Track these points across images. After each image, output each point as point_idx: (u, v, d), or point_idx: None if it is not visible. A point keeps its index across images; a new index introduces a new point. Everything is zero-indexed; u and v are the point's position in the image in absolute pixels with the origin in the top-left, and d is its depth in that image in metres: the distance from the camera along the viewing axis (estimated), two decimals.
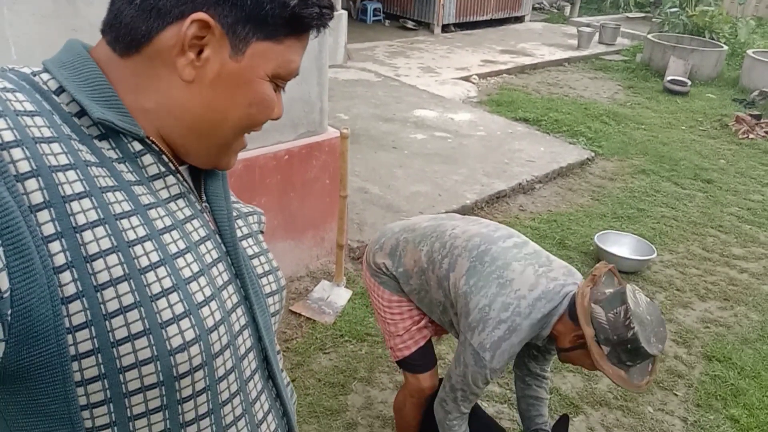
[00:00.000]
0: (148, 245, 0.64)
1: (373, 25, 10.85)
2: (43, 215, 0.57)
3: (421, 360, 2.10)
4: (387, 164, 4.99)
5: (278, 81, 0.73)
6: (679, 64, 8.20)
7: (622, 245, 4.02)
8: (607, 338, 1.62)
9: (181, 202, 0.73)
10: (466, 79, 7.85)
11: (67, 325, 0.58)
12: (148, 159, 0.69)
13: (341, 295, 3.39)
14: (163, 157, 0.70)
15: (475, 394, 1.82)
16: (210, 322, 0.68)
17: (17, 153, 0.57)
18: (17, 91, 0.62)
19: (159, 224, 0.67)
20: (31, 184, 0.57)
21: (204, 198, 0.80)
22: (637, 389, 1.70)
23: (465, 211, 4.43)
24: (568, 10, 12.94)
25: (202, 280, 0.69)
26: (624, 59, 9.51)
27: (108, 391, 0.62)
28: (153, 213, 0.67)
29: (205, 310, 0.68)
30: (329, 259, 3.69)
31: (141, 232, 0.64)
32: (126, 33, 0.67)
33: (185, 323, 0.65)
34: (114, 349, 0.61)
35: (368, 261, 2.12)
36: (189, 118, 0.70)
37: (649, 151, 5.88)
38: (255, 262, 0.84)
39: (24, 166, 0.57)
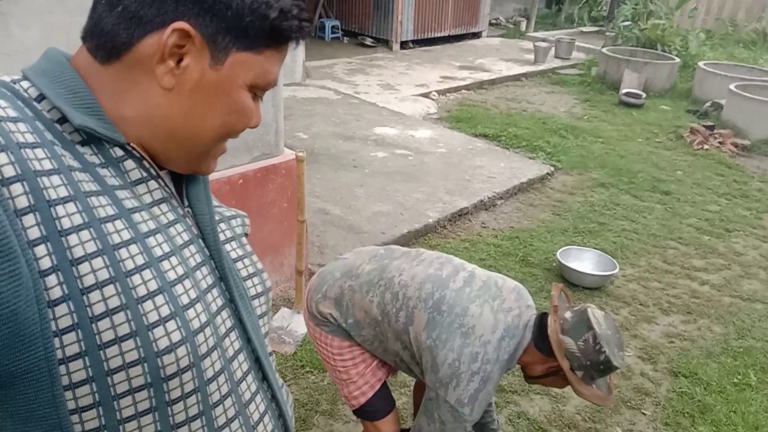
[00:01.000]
0: (133, 248, 0.65)
1: (331, 43, 10.81)
2: (29, 219, 0.58)
3: (379, 405, 2.00)
4: (348, 184, 4.91)
5: (256, 90, 0.74)
6: (634, 77, 8.35)
7: (584, 260, 4.00)
8: (580, 365, 1.66)
9: (164, 207, 0.74)
10: (426, 95, 7.84)
11: (54, 328, 0.59)
12: (130, 164, 0.70)
13: (302, 323, 3.27)
14: (144, 162, 0.71)
15: None
16: (196, 324, 0.68)
17: (2, 158, 0.57)
18: None
19: (143, 228, 0.68)
20: (16, 188, 0.57)
21: (186, 203, 0.80)
22: (606, 403, 1.75)
23: (428, 230, 4.37)
24: (524, 25, 13.12)
25: (187, 283, 0.70)
26: (580, 73, 9.66)
27: (96, 395, 0.62)
28: (137, 217, 0.68)
29: (191, 312, 0.68)
30: (289, 285, 3.58)
31: (126, 235, 0.65)
32: (107, 40, 0.68)
33: (171, 325, 0.65)
34: (101, 352, 0.61)
35: (311, 310, 1.98)
36: (168, 125, 0.70)
37: (607, 164, 5.93)
38: (239, 265, 0.85)
39: (9, 171, 0.57)
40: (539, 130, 6.69)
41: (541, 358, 1.73)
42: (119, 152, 0.69)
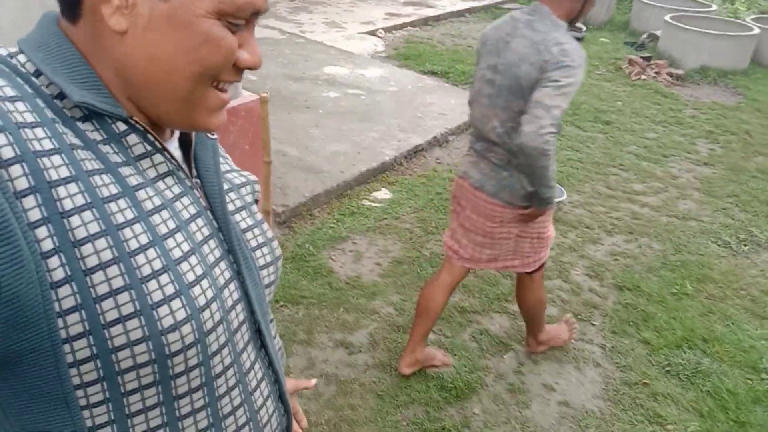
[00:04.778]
0: (137, 227, 0.64)
1: None
2: (29, 201, 0.57)
3: None
4: (302, 125, 4.95)
5: (229, 18, 0.65)
6: None
7: None
8: None
9: (169, 180, 0.71)
10: (372, 33, 7.81)
11: (57, 309, 0.58)
12: (133, 138, 0.68)
13: None
14: (148, 136, 0.68)
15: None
16: (201, 301, 0.68)
17: (1, 139, 0.56)
18: None
19: (148, 205, 0.66)
20: (16, 170, 0.56)
21: (195, 173, 0.78)
22: None
23: (385, 167, 4.50)
24: None
25: (193, 260, 0.69)
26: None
27: (101, 371, 0.62)
28: (141, 194, 0.66)
29: (197, 290, 0.68)
30: None
31: (129, 214, 0.64)
32: None
33: (176, 303, 0.65)
34: (105, 331, 0.61)
35: (503, 198, 2.37)
36: (137, 74, 0.65)
37: None
38: (248, 235, 0.83)
39: (8, 152, 0.56)
40: None
41: None
42: (122, 127, 0.67)
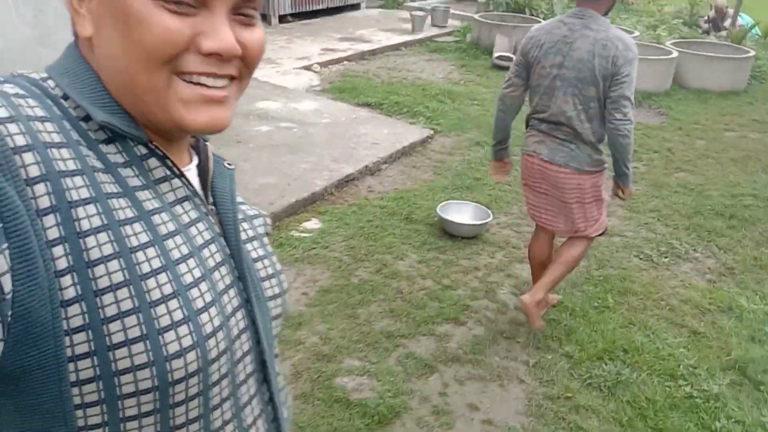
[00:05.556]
0: (151, 251, 0.64)
1: None
2: (49, 219, 0.58)
3: None
4: (232, 159, 4.75)
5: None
6: (505, 40, 8.79)
7: (463, 213, 4.29)
8: None
9: (186, 205, 0.72)
10: (308, 68, 7.89)
11: (65, 327, 0.59)
12: (153, 162, 0.69)
13: None
14: (167, 161, 0.70)
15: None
16: (208, 329, 0.67)
17: (28, 157, 0.57)
18: (28, 96, 0.62)
19: (163, 230, 0.67)
20: (40, 188, 0.58)
21: (210, 200, 0.79)
22: None
23: (315, 198, 4.51)
24: None
25: (203, 286, 0.69)
26: (456, 40, 10.02)
27: (102, 393, 0.62)
28: (157, 218, 0.67)
29: (204, 317, 0.67)
30: None
31: (144, 238, 0.64)
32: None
33: (183, 330, 0.65)
34: (110, 353, 0.61)
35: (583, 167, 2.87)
36: (109, 77, 0.66)
37: (482, 124, 6.27)
38: (258, 265, 0.83)
39: (34, 171, 0.57)
40: (419, 97, 6.95)
41: None
42: (143, 150, 0.68)
